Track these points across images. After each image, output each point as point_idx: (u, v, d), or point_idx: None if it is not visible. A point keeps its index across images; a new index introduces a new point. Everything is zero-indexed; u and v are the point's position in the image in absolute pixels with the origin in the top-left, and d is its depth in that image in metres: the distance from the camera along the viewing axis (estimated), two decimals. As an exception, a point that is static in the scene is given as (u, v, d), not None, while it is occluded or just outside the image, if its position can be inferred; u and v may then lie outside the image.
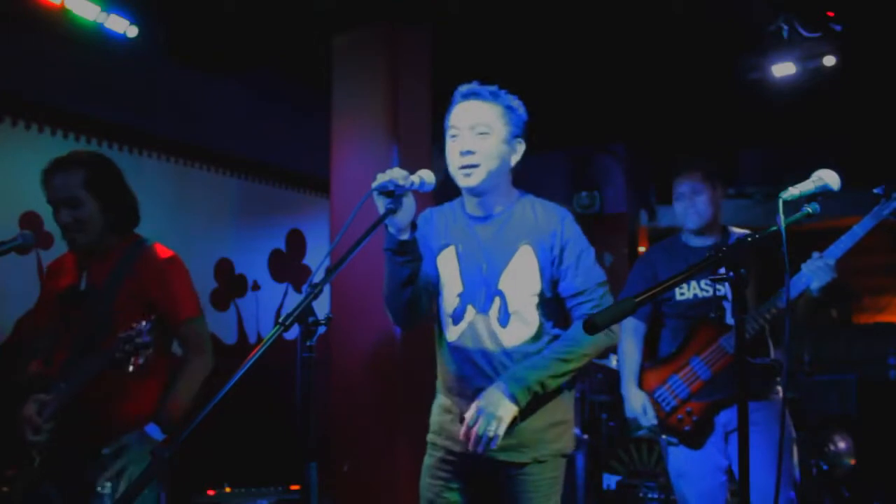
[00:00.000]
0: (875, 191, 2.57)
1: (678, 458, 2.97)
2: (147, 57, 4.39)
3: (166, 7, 4.25)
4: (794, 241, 1.85)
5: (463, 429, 2.04)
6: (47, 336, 2.66)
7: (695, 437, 2.90)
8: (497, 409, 2.00)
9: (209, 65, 4.80)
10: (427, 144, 4.19)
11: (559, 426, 2.17)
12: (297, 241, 5.71)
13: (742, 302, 1.74)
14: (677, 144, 6.78)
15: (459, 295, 2.17)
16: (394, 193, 1.94)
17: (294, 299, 5.53)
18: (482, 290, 2.14)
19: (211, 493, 3.77)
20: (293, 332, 1.61)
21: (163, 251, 2.60)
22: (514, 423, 2.06)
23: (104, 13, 3.93)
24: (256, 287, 5.32)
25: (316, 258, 5.75)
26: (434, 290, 2.24)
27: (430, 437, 2.30)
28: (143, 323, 2.22)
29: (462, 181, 2.13)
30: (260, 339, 5.25)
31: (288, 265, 5.60)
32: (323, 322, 1.63)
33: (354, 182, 4.17)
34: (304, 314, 1.61)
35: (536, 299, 2.13)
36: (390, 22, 4.17)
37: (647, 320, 3.18)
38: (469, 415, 2.04)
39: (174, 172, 4.75)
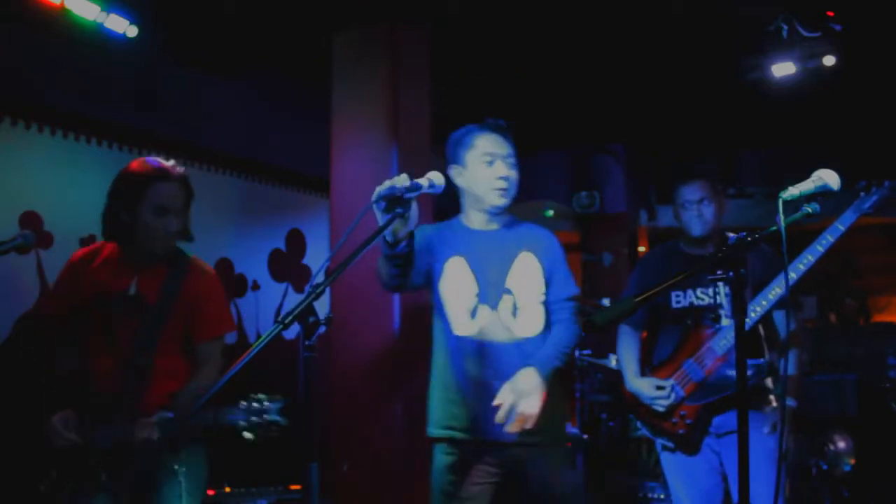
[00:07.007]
0: (859, 185, 2.63)
1: (673, 461, 2.97)
2: (147, 57, 4.38)
3: (166, 7, 4.25)
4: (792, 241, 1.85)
5: (500, 412, 2.22)
6: (74, 332, 2.54)
7: (689, 441, 2.89)
8: (535, 389, 2.27)
9: (209, 65, 4.80)
10: (427, 144, 4.19)
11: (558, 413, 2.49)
12: (296, 241, 5.71)
13: (742, 302, 1.74)
14: (677, 144, 6.79)
15: (477, 294, 2.44)
16: (401, 199, 1.94)
17: (294, 299, 5.54)
18: (493, 289, 2.44)
19: (211, 492, 3.77)
20: (293, 332, 1.61)
21: (208, 266, 2.72)
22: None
23: (104, 13, 3.93)
24: (256, 287, 5.32)
25: (316, 258, 5.75)
26: (425, 271, 2.44)
27: (436, 432, 2.43)
28: (270, 404, 2.03)
29: (496, 201, 2.47)
30: (259, 338, 5.24)
31: (288, 265, 5.59)
32: (323, 322, 1.64)
33: (354, 182, 4.17)
34: (304, 314, 1.61)
35: (542, 297, 2.49)
36: (390, 22, 4.17)
37: (640, 328, 3.16)
38: (505, 399, 2.23)
39: (174, 172, 4.74)
